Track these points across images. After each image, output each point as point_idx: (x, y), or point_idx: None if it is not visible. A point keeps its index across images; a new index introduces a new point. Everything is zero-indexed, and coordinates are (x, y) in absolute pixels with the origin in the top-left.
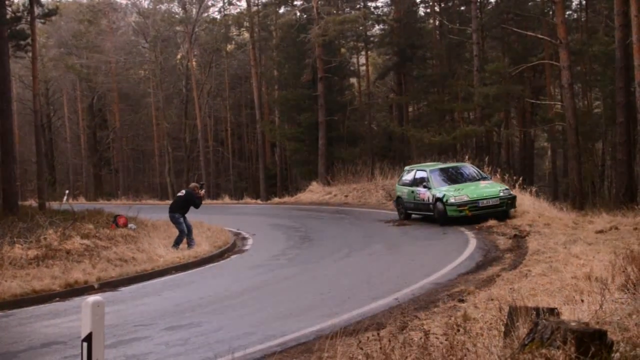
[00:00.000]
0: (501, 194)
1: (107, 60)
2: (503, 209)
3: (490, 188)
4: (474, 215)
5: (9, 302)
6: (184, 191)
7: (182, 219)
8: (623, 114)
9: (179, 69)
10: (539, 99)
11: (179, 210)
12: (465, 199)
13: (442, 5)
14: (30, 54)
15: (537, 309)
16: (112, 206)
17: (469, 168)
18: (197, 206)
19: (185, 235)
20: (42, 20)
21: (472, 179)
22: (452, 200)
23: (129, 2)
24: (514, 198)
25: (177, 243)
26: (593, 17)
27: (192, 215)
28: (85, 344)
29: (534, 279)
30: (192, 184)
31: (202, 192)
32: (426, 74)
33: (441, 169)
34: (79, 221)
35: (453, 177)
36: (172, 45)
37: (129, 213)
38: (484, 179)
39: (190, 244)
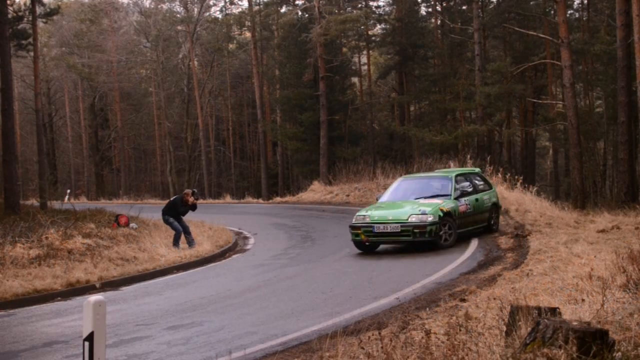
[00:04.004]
0: (412, 219)
1: (108, 60)
2: (408, 239)
3: (413, 209)
4: (372, 243)
5: (11, 302)
6: (175, 196)
7: (172, 220)
8: (625, 113)
9: (180, 68)
10: (540, 98)
11: (167, 212)
12: (367, 220)
13: (444, 4)
14: (31, 54)
15: (538, 309)
16: (113, 205)
17: (470, 177)
18: (180, 213)
19: (180, 233)
20: (44, 20)
21: (461, 193)
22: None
23: (130, 1)
24: (435, 225)
25: (175, 241)
26: (594, 17)
27: (192, 215)
28: (86, 344)
29: (536, 278)
30: (186, 190)
31: (192, 199)
32: (428, 73)
33: (422, 177)
34: (81, 220)
35: (429, 188)
36: (174, 45)
37: (131, 212)
38: (469, 194)
39: (190, 243)
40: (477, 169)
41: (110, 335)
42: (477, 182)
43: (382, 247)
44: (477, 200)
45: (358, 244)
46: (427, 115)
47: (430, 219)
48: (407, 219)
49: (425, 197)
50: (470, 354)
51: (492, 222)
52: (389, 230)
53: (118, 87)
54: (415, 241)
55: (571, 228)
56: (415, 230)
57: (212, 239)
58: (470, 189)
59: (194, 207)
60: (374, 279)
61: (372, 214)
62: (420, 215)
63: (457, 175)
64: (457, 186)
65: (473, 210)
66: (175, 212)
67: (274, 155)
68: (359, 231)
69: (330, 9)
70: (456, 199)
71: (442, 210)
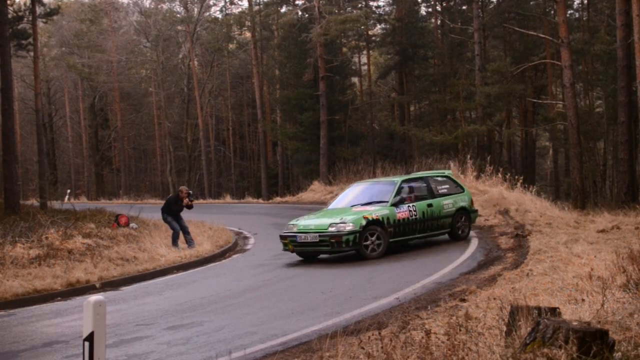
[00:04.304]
0: (331, 228)
1: (108, 60)
2: (327, 249)
3: (336, 218)
4: (300, 253)
5: (11, 302)
6: (172, 195)
7: (170, 219)
8: (625, 113)
9: (180, 68)
10: (540, 98)
11: (165, 211)
12: (294, 230)
13: (444, 4)
14: (31, 54)
15: (538, 309)
16: (113, 205)
17: (428, 180)
18: (173, 213)
19: (178, 232)
20: (44, 20)
21: (402, 198)
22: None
23: (130, 1)
24: (353, 234)
25: (174, 241)
26: (594, 16)
27: (193, 215)
28: (87, 344)
29: (536, 278)
30: (181, 187)
31: (187, 200)
32: (428, 73)
33: (372, 183)
34: (81, 220)
35: (372, 195)
36: (174, 45)
37: (131, 212)
38: (420, 199)
39: (189, 243)
40: (448, 172)
41: (110, 335)
42: (440, 186)
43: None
44: (430, 205)
45: (299, 253)
46: (427, 115)
47: (348, 228)
48: (327, 229)
49: (362, 204)
50: (470, 354)
51: (458, 229)
52: (309, 240)
53: (118, 87)
54: (334, 251)
55: (571, 228)
56: (332, 240)
57: (212, 239)
58: (423, 194)
59: (189, 206)
60: (374, 279)
61: (299, 223)
62: (339, 225)
63: (406, 180)
64: (404, 192)
65: (423, 217)
66: (170, 210)
67: (274, 155)
68: (287, 241)
69: (330, 9)
70: (394, 205)
71: (367, 218)
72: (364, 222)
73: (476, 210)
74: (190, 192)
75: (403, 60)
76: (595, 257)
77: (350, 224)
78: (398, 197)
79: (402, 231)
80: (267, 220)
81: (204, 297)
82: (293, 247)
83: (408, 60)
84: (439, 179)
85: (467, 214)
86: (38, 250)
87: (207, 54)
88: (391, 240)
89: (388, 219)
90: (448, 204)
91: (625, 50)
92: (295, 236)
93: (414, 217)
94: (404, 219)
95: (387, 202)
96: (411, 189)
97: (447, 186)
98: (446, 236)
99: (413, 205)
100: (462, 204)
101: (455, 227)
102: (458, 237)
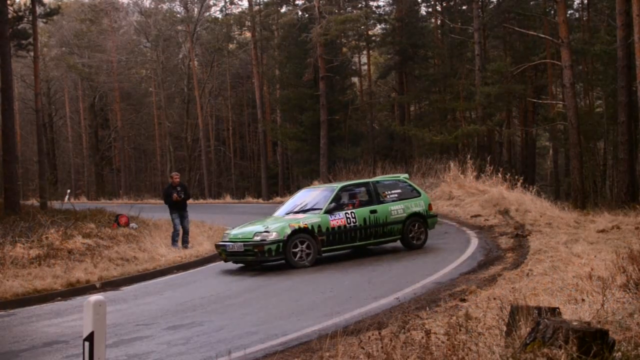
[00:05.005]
0: (256, 237)
1: (108, 60)
2: (252, 258)
3: (262, 227)
4: (234, 262)
5: (11, 302)
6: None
7: (174, 216)
8: (625, 113)
9: (180, 68)
10: (540, 98)
11: (168, 204)
12: (226, 238)
13: (444, 4)
14: (31, 54)
15: (538, 309)
16: (113, 205)
17: (374, 186)
18: (177, 207)
19: (178, 231)
20: (44, 20)
21: (339, 205)
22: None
23: (130, 1)
24: (276, 244)
25: (173, 240)
26: (595, 16)
27: (193, 215)
28: (87, 343)
29: (536, 278)
30: (172, 173)
31: (175, 195)
32: (428, 73)
33: (315, 189)
34: (81, 220)
35: (310, 201)
36: (174, 45)
37: (131, 212)
38: (364, 205)
39: (184, 243)
40: (403, 176)
41: (110, 335)
42: (389, 190)
43: (381, 247)
44: (373, 212)
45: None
46: (427, 115)
47: (271, 237)
48: (252, 238)
49: (297, 212)
50: (470, 354)
51: (410, 235)
52: (236, 250)
53: (118, 87)
54: (259, 261)
55: (571, 228)
56: (255, 250)
57: (212, 239)
58: (367, 200)
59: (186, 197)
60: (373, 279)
61: (231, 231)
62: (263, 234)
63: (347, 187)
64: (344, 198)
65: (364, 224)
66: (174, 205)
67: (274, 155)
68: (220, 250)
69: (330, 9)
70: (328, 212)
71: (293, 227)
72: (289, 231)
73: (435, 215)
74: (185, 184)
75: (403, 60)
76: (595, 257)
77: (274, 233)
78: (333, 205)
79: (337, 239)
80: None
81: (204, 297)
82: (225, 256)
83: (408, 60)
84: (388, 183)
85: (422, 219)
86: (38, 250)
87: (207, 54)
88: (324, 248)
89: (319, 227)
90: (397, 209)
91: (625, 50)
92: (225, 245)
93: (352, 224)
94: (339, 226)
95: (321, 209)
96: (353, 196)
97: (398, 191)
98: (447, 235)
99: (352, 212)
100: (416, 209)
101: (407, 233)
102: (412, 246)
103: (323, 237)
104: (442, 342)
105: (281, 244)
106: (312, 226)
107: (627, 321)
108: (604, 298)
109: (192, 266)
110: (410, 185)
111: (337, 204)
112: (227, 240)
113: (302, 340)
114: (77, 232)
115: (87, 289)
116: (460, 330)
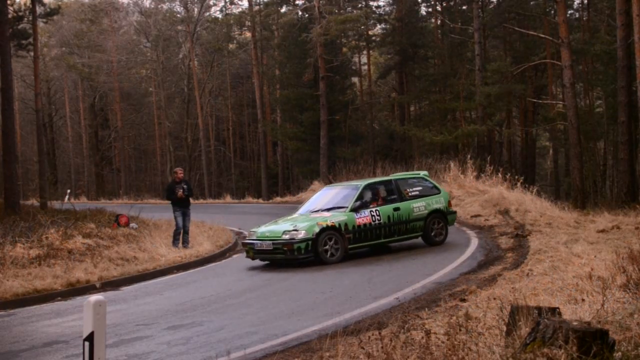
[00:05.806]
0: (285, 236)
1: (108, 60)
2: (282, 257)
3: (290, 225)
4: (261, 260)
5: (11, 302)
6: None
7: (176, 213)
8: (625, 113)
9: (180, 68)
10: (540, 98)
11: (171, 200)
12: (253, 237)
13: (444, 4)
14: (31, 54)
15: (538, 308)
16: (113, 205)
17: (397, 183)
18: (180, 204)
19: (179, 230)
20: (44, 20)
21: (362, 204)
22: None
23: (130, 1)
24: (305, 242)
25: (174, 239)
26: (595, 16)
27: (193, 215)
28: (87, 343)
29: (536, 278)
30: (176, 169)
31: (180, 192)
32: (428, 73)
33: (339, 187)
34: (81, 220)
35: (335, 199)
36: (174, 45)
37: (131, 212)
38: (388, 202)
39: (184, 242)
40: (423, 173)
41: (111, 335)
42: (411, 188)
43: (381, 247)
44: (397, 209)
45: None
46: (427, 115)
47: (300, 236)
48: (281, 236)
49: (323, 210)
50: (470, 354)
51: (432, 232)
52: (264, 248)
53: (118, 87)
54: (289, 259)
55: (571, 228)
56: (285, 248)
57: (212, 239)
58: (390, 197)
59: (188, 194)
60: (373, 279)
61: (258, 230)
62: (292, 232)
63: (371, 185)
64: (368, 196)
65: (388, 221)
66: (178, 202)
67: (274, 155)
68: (247, 248)
69: (330, 9)
70: (354, 210)
71: (321, 225)
72: (317, 230)
73: (454, 212)
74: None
75: (403, 60)
76: (595, 257)
77: (303, 232)
78: (358, 203)
79: (363, 237)
80: (267, 220)
81: (204, 297)
82: (253, 254)
83: (408, 60)
84: (411, 181)
85: (442, 215)
86: (38, 250)
87: (207, 54)
88: (351, 246)
89: (346, 225)
90: (419, 206)
91: (625, 50)
92: (253, 244)
93: (377, 222)
94: (365, 224)
95: (347, 207)
96: (376, 193)
97: (419, 188)
98: (448, 235)
99: (377, 210)
100: (437, 205)
101: (428, 230)
102: (434, 242)
103: (350, 235)
104: (442, 342)
105: (310, 242)
106: (339, 224)
107: (627, 321)
108: (604, 298)
109: (192, 266)
110: (430, 183)
111: (361, 202)
112: (255, 238)
113: (302, 340)
114: (77, 232)
115: (87, 289)
116: (460, 330)
